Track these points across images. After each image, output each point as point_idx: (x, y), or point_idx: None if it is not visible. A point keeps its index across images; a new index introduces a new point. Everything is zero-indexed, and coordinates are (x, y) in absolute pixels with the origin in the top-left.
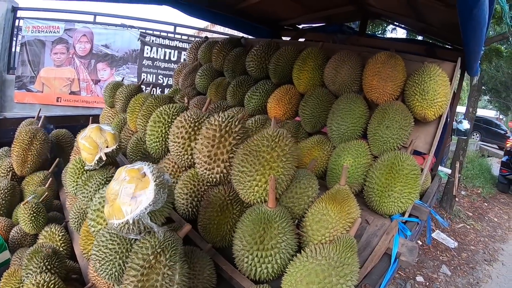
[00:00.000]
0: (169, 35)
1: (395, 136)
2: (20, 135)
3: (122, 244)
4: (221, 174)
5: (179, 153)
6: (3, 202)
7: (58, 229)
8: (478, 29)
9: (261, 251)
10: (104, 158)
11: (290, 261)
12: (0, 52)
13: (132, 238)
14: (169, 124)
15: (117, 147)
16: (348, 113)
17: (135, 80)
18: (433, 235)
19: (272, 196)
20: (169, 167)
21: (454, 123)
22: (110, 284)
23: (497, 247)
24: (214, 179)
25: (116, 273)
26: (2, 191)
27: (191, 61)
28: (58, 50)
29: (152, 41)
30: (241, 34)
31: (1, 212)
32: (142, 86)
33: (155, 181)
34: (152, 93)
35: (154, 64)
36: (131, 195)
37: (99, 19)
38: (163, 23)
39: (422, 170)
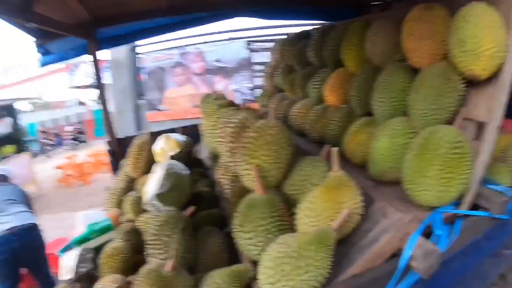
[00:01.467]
0: (275, 37)
1: (434, 107)
2: (132, 147)
3: None
4: None
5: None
6: (120, 198)
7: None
8: None
9: (244, 233)
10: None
11: None
12: (130, 84)
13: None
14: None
15: (179, 151)
16: (386, 88)
17: (250, 85)
18: None
19: (258, 184)
20: None
21: None
22: None
23: None
24: (235, 170)
25: None
26: (120, 189)
27: (274, 62)
28: (177, 73)
29: (259, 47)
30: None
31: (117, 205)
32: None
33: (163, 172)
34: None
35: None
36: (154, 182)
37: (207, 38)
38: (267, 28)
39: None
